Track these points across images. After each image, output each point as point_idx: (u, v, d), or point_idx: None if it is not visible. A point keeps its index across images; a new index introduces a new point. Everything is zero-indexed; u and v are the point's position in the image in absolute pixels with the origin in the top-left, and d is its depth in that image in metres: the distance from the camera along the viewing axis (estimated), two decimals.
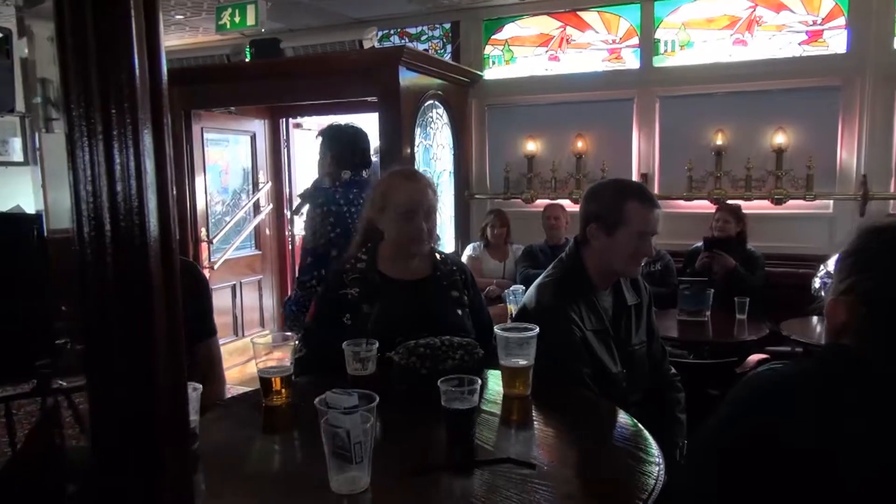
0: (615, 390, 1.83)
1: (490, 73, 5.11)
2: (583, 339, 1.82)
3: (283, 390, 1.58)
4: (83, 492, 0.82)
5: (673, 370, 2.09)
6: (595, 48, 4.83)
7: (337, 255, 2.56)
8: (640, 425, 1.47)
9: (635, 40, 4.71)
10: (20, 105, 5.17)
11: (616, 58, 4.79)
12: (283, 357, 1.64)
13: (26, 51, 4.80)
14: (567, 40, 4.90)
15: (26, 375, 4.40)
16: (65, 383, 2.56)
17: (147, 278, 0.46)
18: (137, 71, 0.44)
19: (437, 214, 2.05)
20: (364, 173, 2.81)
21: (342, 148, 2.83)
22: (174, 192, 0.48)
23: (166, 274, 0.47)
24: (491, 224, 4.45)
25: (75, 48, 0.42)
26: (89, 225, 0.43)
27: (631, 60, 4.74)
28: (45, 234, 5.14)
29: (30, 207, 5.48)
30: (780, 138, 4.26)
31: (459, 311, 1.97)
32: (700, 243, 3.92)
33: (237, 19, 4.44)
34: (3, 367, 4.97)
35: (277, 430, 1.57)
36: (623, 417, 1.54)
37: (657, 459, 1.28)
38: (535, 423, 1.58)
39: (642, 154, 4.70)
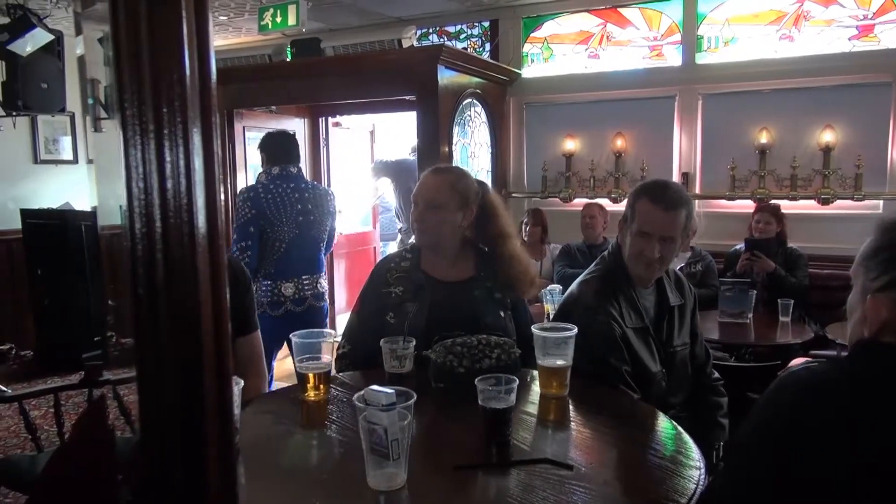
0: (655, 390, 1.81)
1: (529, 72, 5.08)
2: (622, 337, 1.79)
3: (322, 386, 1.60)
4: (130, 481, 0.84)
5: (716, 374, 2.05)
6: (636, 45, 4.77)
7: (255, 230, 3.14)
8: (679, 428, 1.45)
9: (677, 37, 4.63)
10: (75, 104, 5.33)
11: (657, 55, 4.72)
12: (319, 353, 1.66)
13: (77, 51, 4.93)
14: (607, 37, 4.85)
15: (74, 367, 4.55)
16: (111, 375, 2.63)
17: (195, 274, 0.47)
18: (188, 71, 0.44)
19: (462, 215, 2.00)
20: (292, 168, 3.31)
21: (271, 149, 3.36)
22: (221, 190, 0.49)
23: (213, 270, 0.48)
24: (527, 223, 4.43)
25: (129, 49, 0.43)
26: (140, 221, 0.44)
27: (673, 57, 4.67)
28: (99, 230, 5.31)
29: (78, 204, 5.65)
30: (827, 136, 4.14)
31: (502, 313, 1.97)
32: (740, 245, 3.84)
33: (279, 19, 4.49)
34: (52, 359, 5.15)
35: (315, 425, 1.59)
36: (663, 420, 1.52)
37: (698, 464, 1.26)
38: (573, 423, 1.57)
39: (683, 153, 4.62)
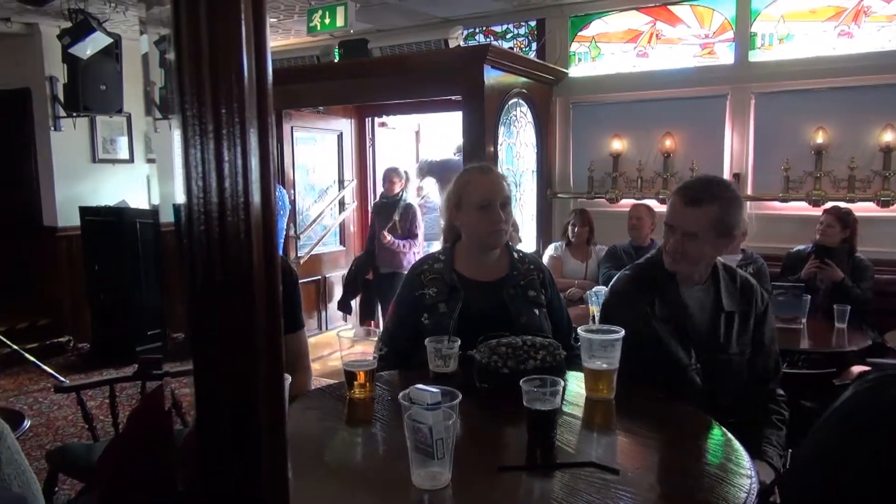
0: (688, 385, 1.78)
1: (576, 71, 5.03)
2: (647, 326, 1.79)
3: (367, 384, 1.62)
4: (184, 471, 0.87)
5: (780, 391, 1.92)
6: (686, 43, 4.68)
7: None
8: (730, 435, 1.42)
9: (730, 34, 4.52)
10: (131, 105, 5.51)
11: (709, 53, 4.62)
12: (365, 351, 1.68)
13: (142, 50, 5.08)
14: (657, 35, 4.77)
15: (128, 360, 4.70)
16: (167, 368, 2.71)
17: (250, 271, 0.48)
18: (246, 72, 0.45)
19: (517, 211, 2.03)
20: None
21: None
22: (276, 190, 0.49)
23: (268, 268, 0.49)
24: (572, 223, 4.39)
25: (190, 51, 0.44)
26: (199, 220, 0.46)
27: (725, 55, 4.56)
28: (160, 227, 5.47)
29: (133, 202, 5.83)
30: (888, 136, 3.99)
31: (537, 312, 1.95)
32: (802, 247, 3.71)
33: (327, 21, 4.56)
34: (108, 351, 5.32)
35: (360, 422, 1.61)
36: (712, 426, 1.49)
37: (749, 472, 1.23)
38: (619, 427, 1.55)
39: (735, 153, 4.51)
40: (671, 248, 1.82)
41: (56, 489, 2.62)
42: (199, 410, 0.49)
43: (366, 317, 5.36)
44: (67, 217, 5.57)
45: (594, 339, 1.58)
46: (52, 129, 5.50)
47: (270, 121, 0.49)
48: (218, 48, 0.44)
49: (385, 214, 5.04)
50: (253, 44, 0.46)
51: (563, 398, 1.39)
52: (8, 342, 4.53)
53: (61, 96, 5.28)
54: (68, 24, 4.83)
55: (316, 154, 5.69)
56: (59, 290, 5.72)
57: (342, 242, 6.00)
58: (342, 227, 5.98)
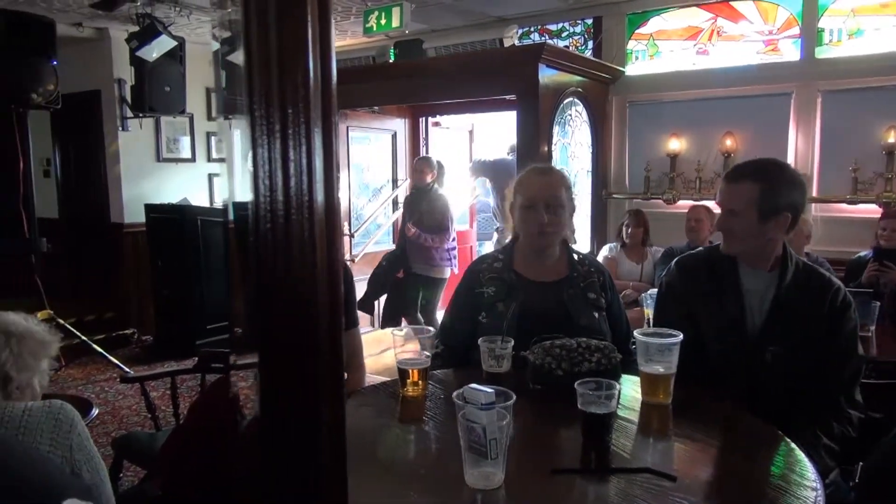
0: (711, 367, 1.77)
1: (633, 69, 4.94)
2: (674, 293, 1.89)
3: (421, 382, 1.62)
4: (241, 462, 0.89)
5: (852, 410, 1.76)
6: (749, 40, 4.54)
7: None
8: (793, 444, 1.37)
9: (795, 30, 4.37)
10: (193, 106, 5.69)
11: (773, 49, 4.47)
12: (417, 350, 1.69)
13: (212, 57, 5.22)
14: (717, 32, 4.64)
15: (189, 353, 4.85)
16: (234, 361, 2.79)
17: (313, 269, 0.48)
18: (311, 74, 0.46)
19: (571, 213, 2.00)
20: None
21: None
22: (339, 189, 0.50)
23: (330, 266, 0.50)
24: (627, 224, 4.31)
25: (259, 53, 0.45)
26: (265, 218, 0.47)
27: (790, 52, 4.40)
28: (230, 224, 5.63)
29: (195, 200, 6.01)
30: None
31: (596, 314, 1.93)
32: (864, 252, 3.56)
33: (383, 22, 4.60)
34: (169, 344, 5.50)
35: (413, 420, 1.61)
36: (773, 435, 1.44)
37: (815, 484, 1.18)
38: (676, 433, 1.51)
39: (799, 153, 4.35)
40: (716, 226, 1.87)
41: (120, 475, 2.72)
42: (263, 405, 0.50)
43: (390, 320, 4.95)
44: (133, 214, 5.79)
45: (651, 342, 1.55)
46: (120, 129, 5.73)
47: (334, 121, 0.49)
48: (285, 50, 0.45)
49: (414, 207, 4.89)
50: (318, 46, 0.47)
51: (618, 402, 1.36)
52: (77, 333, 4.73)
53: (129, 98, 5.49)
54: (136, 29, 5.02)
55: (370, 153, 5.76)
56: (125, 284, 5.95)
57: (395, 241, 6.04)
58: (395, 225, 6.03)
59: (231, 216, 5.89)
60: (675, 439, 1.49)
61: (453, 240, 4.86)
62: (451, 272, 4.88)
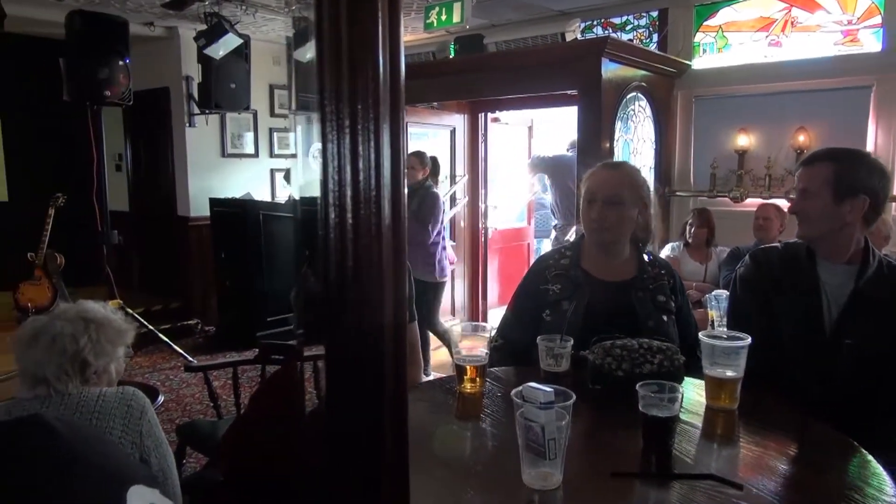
0: (782, 358, 1.74)
1: (699, 63, 4.81)
2: (749, 285, 1.87)
3: (478, 379, 1.63)
4: (304, 453, 0.90)
5: None
6: (826, 30, 4.35)
7: None
8: (869, 456, 1.31)
9: (877, 19, 4.16)
10: (257, 103, 5.85)
11: (852, 40, 4.27)
12: (473, 346, 1.69)
13: (308, 55, 5.35)
14: (792, 23, 4.46)
15: (249, 344, 4.99)
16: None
17: (380, 263, 0.49)
18: (381, 70, 0.47)
19: (641, 213, 1.97)
20: None
21: None
22: (405, 185, 0.51)
23: (396, 259, 0.50)
24: (691, 223, 4.21)
25: (331, 49, 0.46)
26: (335, 213, 0.48)
27: (870, 43, 4.20)
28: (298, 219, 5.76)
29: (257, 194, 6.18)
30: None
31: (665, 318, 1.89)
32: None
33: (444, 17, 4.61)
34: (231, 335, 5.67)
35: (470, 417, 1.62)
36: (848, 445, 1.38)
37: (893, 500, 1.13)
38: (742, 439, 1.47)
39: (879, 148, 4.14)
40: (790, 208, 1.87)
41: (184, 461, 2.82)
42: (328, 398, 0.51)
43: None
44: (199, 208, 6.00)
45: (717, 345, 1.51)
46: (187, 125, 5.94)
47: (402, 116, 0.50)
48: (356, 46, 0.46)
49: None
50: (388, 43, 0.48)
51: (681, 405, 1.33)
52: (145, 322, 4.93)
53: (196, 95, 5.68)
54: (204, 27, 5.18)
55: (428, 149, 5.78)
56: (190, 276, 6.18)
57: (452, 237, 6.06)
58: (452, 222, 6.04)
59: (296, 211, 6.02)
60: (741, 446, 1.44)
61: (441, 248, 4.56)
62: (441, 277, 4.56)
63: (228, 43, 5.11)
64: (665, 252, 4.31)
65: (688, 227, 4.23)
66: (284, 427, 1.14)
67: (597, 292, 1.89)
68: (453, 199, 6.01)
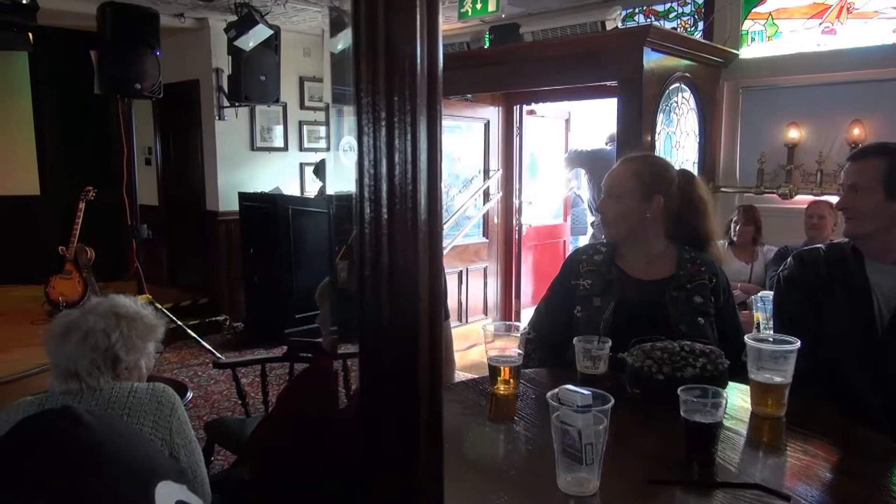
0: (831, 358, 1.72)
1: (748, 52, 4.72)
2: (795, 285, 1.84)
3: (512, 380, 1.62)
4: (335, 452, 0.92)
5: None
6: (884, 16, 4.23)
7: None
8: None
9: None
10: (286, 96, 5.93)
11: None
12: (506, 346, 1.68)
13: (339, 45, 5.40)
14: (847, 9, 4.35)
15: (278, 341, 5.06)
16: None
17: (415, 259, 0.50)
18: (419, 61, 0.47)
19: (649, 206, 1.93)
20: None
21: None
22: (441, 179, 0.51)
23: (431, 255, 0.51)
24: (736, 220, 4.13)
25: (368, 40, 0.47)
26: (370, 207, 0.48)
27: None
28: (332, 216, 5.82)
29: (287, 189, 6.25)
30: None
31: (701, 320, 1.86)
32: None
33: (479, 6, 4.61)
34: (259, 331, 5.75)
35: (503, 419, 1.61)
36: None
37: None
38: (789, 448, 1.44)
39: None
40: (837, 204, 1.85)
41: (212, 458, 2.88)
42: (362, 396, 0.51)
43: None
44: (227, 202, 6.09)
45: (763, 348, 1.49)
46: (217, 118, 6.03)
47: (439, 109, 0.50)
48: (394, 37, 0.46)
49: None
50: (426, 34, 0.48)
51: (724, 411, 1.32)
52: (174, 318, 5.03)
53: (225, 87, 5.77)
54: (234, 18, 5.26)
55: (461, 143, 5.79)
56: (219, 271, 6.28)
57: (485, 234, 6.06)
58: (485, 218, 6.04)
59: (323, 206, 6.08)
60: (788, 455, 1.42)
61: None
62: None
63: (259, 34, 5.18)
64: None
65: (733, 225, 4.16)
66: (312, 427, 1.15)
67: (629, 290, 1.88)
68: (486, 195, 6.00)
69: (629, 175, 1.96)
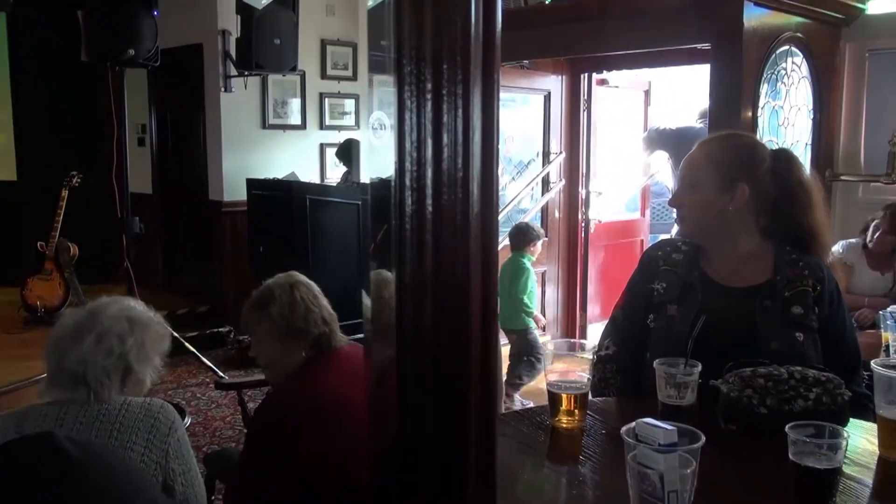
0: None
1: (876, 5, 4.61)
2: None
3: (577, 411, 1.62)
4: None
5: None
6: None
7: None
8: None
9: None
10: (306, 62, 5.99)
11: None
12: (568, 369, 1.67)
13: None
14: None
15: None
16: None
17: (466, 263, 0.50)
18: (473, 19, 0.47)
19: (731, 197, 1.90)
20: None
21: None
22: (499, 163, 0.51)
23: (485, 258, 0.51)
24: (877, 224, 4.00)
25: None
26: (412, 198, 0.48)
27: None
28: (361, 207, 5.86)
29: (304, 175, 6.30)
30: None
31: (799, 336, 1.81)
32: None
33: None
34: None
35: (565, 458, 1.61)
36: None
37: None
38: None
39: None
40: None
41: (213, 498, 2.92)
42: (402, 418, 0.52)
43: None
44: (234, 190, 6.17)
45: (895, 377, 1.45)
46: (223, 89, 6.13)
47: (497, 78, 0.51)
48: None
49: None
50: None
51: (844, 455, 1.29)
52: (169, 329, 5.12)
53: (233, 53, 5.85)
54: None
55: (516, 120, 5.77)
56: (223, 273, 6.37)
57: (544, 229, 6.04)
58: (544, 210, 6.02)
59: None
60: None
61: None
62: None
63: None
64: (834, 251, 4.11)
65: (872, 227, 4.03)
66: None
67: (711, 299, 1.85)
68: (546, 183, 5.98)
69: (703, 159, 1.95)
